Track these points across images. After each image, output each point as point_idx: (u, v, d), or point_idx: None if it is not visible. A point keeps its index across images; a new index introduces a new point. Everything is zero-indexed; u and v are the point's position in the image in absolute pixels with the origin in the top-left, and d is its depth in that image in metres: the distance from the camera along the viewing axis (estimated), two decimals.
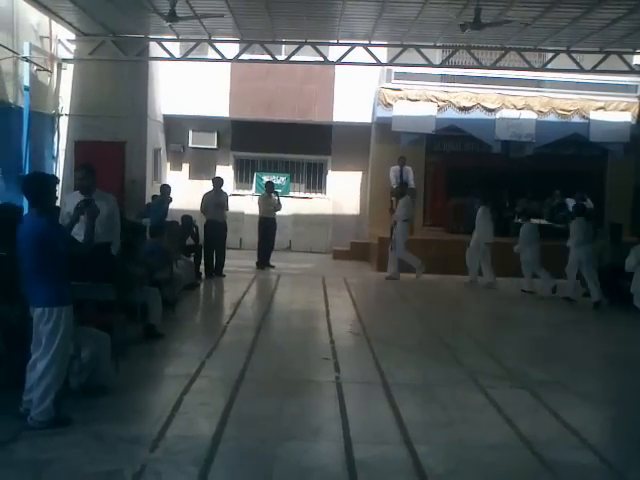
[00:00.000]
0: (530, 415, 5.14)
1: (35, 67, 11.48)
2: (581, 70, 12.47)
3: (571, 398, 5.63)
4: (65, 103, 12.79)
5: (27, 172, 10.45)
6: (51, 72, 12.29)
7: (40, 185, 4.43)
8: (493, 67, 12.77)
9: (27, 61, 11.00)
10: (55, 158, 12.74)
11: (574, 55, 12.27)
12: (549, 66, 12.65)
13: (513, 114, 14.12)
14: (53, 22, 11.84)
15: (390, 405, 5.15)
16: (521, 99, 14.15)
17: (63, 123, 12.84)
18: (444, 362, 6.57)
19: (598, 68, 12.32)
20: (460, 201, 14.40)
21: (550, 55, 12.51)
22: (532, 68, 12.78)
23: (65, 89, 12.74)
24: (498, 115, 14.11)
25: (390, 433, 4.60)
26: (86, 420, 4.47)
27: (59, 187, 12.53)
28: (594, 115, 14.21)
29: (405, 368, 6.29)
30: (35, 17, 11.36)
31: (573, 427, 4.82)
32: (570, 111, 14.23)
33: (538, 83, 14.29)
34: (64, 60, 12.61)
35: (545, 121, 14.14)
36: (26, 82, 11.04)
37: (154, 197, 12.54)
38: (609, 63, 12.25)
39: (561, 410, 5.17)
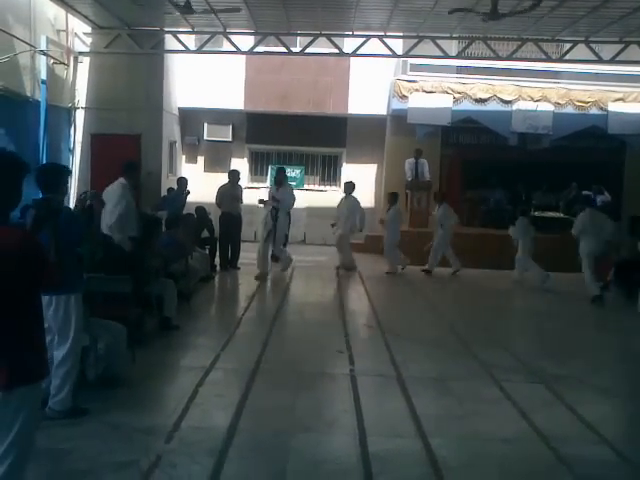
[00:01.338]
0: (546, 409, 5.10)
1: (52, 60, 11.56)
2: (600, 61, 12.28)
3: (587, 393, 5.60)
4: (81, 96, 12.86)
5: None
6: (67, 65, 12.36)
7: (54, 175, 4.46)
8: (510, 58, 12.62)
9: (44, 54, 11.08)
10: (71, 151, 12.84)
11: (593, 45, 12.09)
12: (567, 57, 12.45)
13: (530, 106, 13.99)
14: (70, 15, 11.90)
15: (404, 398, 5.15)
16: (538, 91, 14.01)
17: (79, 116, 12.91)
18: (459, 355, 6.55)
19: (617, 58, 12.12)
20: (476, 194, 14.32)
21: (568, 46, 12.33)
22: (549, 59, 12.60)
23: (81, 82, 12.81)
24: (514, 107, 13.98)
25: (404, 426, 4.59)
26: (103, 411, 4.52)
27: (75, 179, 12.75)
28: (612, 107, 14.03)
29: (419, 361, 6.28)
30: (52, 11, 11.43)
31: (589, 422, 4.79)
32: (588, 103, 14.06)
33: (555, 74, 14.12)
34: (80, 53, 12.67)
35: (562, 113, 13.99)
36: (43, 75, 11.12)
37: (169, 190, 12.60)
38: (628, 53, 12.04)
39: (577, 405, 5.13)
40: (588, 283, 9.78)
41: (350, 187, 12.08)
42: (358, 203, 11.93)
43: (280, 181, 11.15)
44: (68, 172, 4.71)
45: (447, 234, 11.78)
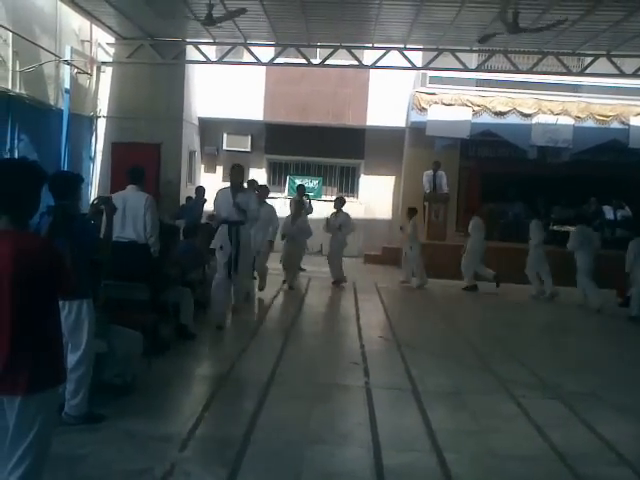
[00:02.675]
0: (563, 427, 5.02)
1: (75, 70, 11.76)
2: (621, 74, 12.20)
3: (606, 410, 5.49)
4: (103, 105, 13.06)
5: None
6: (91, 75, 12.57)
7: (66, 183, 4.50)
8: (530, 72, 12.59)
9: (68, 64, 11.28)
10: (92, 159, 13.01)
11: (614, 59, 12.00)
12: (588, 70, 12.41)
13: (550, 119, 13.89)
14: (94, 26, 12.11)
15: (420, 412, 5.11)
16: (558, 104, 13.92)
17: (101, 125, 13.11)
18: (475, 369, 6.49)
19: (639, 72, 12.03)
20: (495, 207, 14.22)
21: (589, 59, 12.27)
22: (570, 73, 12.55)
23: (103, 91, 13.02)
24: (534, 120, 13.90)
25: (419, 440, 4.55)
26: (118, 417, 4.54)
27: (96, 187, 12.90)
28: (634, 121, 13.87)
29: (435, 375, 6.23)
30: (77, 22, 11.65)
31: (609, 441, 4.70)
32: (609, 116, 13.93)
33: (576, 88, 14.03)
34: (103, 63, 12.88)
35: (583, 127, 13.87)
36: (67, 85, 11.31)
37: (188, 199, 12.70)
38: None
39: (596, 422, 5.05)
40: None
41: (341, 203, 11.78)
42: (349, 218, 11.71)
43: (237, 184, 7.78)
44: (81, 180, 4.75)
45: (343, 244, 11.56)
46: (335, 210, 11.78)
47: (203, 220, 11.19)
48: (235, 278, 7.79)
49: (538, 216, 11.93)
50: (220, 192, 7.87)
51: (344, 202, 11.91)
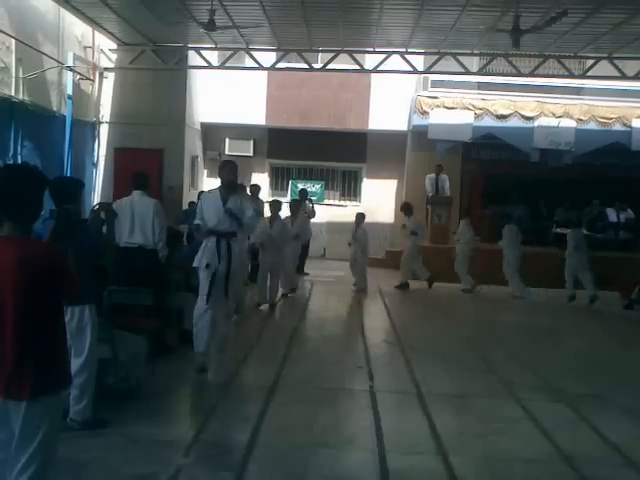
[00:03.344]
0: (569, 429, 5.00)
1: (78, 76, 11.79)
2: (623, 77, 12.19)
3: (611, 412, 5.47)
4: (106, 111, 13.09)
5: None
6: (93, 81, 12.61)
7: (66, 188, 4.48)
8: (532, 75, 12.58)
9: (71, 70, 11.31)
10: (95, 165, 13.04)
11: (616, 61, 12.00)
12: (590, 73, 12.39)
13: (552, 122, 13.88)
14: (96, 33, 12.15)
15: (424, 415, 5.10)
16: (560, 107, 13.91)
17: (103, 130, 13.14)
18: (479, 373, 6.48)
19: None
20: (497, 210, 14.21)
21: (591, 62, 12.27)
22: (572, 76, 12.55)
23: (106, 97, 13.05)
24: (536, 123, 13.89)
25: (424, 443, 4.54)
26: (122, 422, 4.53)
27: (98, 193, 12.92)
28: (637, 123, 13.86)
29: (440, 378, 6.21)
30: (79, 28, 11.70)
31: (614, 442, 4.68)
32: (611, 119, 13.92)
33: (578, 90, 14.02)
34: (105, 69, 12.92)
35: (585, 129, 13.85)
36: (69, 91, 11.35)
37: (191, 204, 12.69)
38: None
39: (601, 425, 5.03)
40: None
41: (297, 205, 11.11)
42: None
43: (228, 184, 6.11)
44: (81, 185, 4.78)
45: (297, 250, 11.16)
46: (291, 215, 10.66)
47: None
48: (222, 305, 6.11)
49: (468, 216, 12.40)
50: (206, 195, 6.37)
51: (299, 205, 11.20)
